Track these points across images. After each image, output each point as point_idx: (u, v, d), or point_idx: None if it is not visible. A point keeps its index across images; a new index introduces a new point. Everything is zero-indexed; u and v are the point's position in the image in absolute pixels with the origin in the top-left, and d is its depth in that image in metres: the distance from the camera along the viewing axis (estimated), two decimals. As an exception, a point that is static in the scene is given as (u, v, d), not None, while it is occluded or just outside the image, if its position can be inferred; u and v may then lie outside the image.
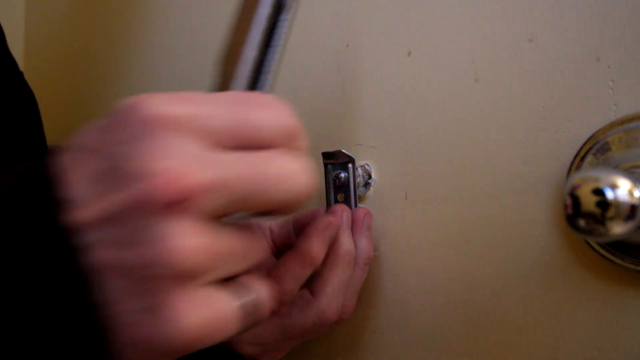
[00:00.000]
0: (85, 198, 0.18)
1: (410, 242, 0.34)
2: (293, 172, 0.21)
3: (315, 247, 0.29)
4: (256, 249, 0.22)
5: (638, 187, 0.22)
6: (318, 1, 0.39)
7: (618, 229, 0.22)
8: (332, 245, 0.31)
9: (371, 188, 0.36)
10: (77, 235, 0.18)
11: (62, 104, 0.61)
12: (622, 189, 0.22)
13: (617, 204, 0.22)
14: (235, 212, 0.20)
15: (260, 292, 0.21)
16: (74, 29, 0.62)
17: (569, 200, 0.23)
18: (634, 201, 0.22)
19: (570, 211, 0.23)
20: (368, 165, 0.36)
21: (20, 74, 0.42)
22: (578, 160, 0.28)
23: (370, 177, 0.36)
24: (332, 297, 0.31)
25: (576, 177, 0.23)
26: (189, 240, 0.18)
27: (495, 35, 0.31)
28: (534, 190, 0.29)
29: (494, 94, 0.31)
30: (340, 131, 0.38)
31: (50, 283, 0.18)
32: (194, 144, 0.19)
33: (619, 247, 0.26)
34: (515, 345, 0.30)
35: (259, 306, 0.21)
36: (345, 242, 0.32)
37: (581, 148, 0.28)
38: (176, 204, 0.18)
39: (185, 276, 0.18)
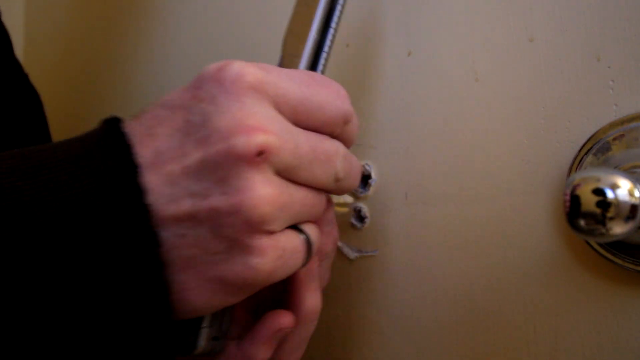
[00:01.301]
0: (172, 150, 0.20)
1: (410, 242, 0.34)
2: (336, 155, 0.24)
3: (262, 355, 0.25)
4: (319, 205, 0.24)
5: (638, 187, 0.22)
6: (318, 1, 0.39)
7: (618, 229, 0.22)
8: (292, 300, 0.26)
9: (371, 188, 0.36)
10: (162, 189, 0.20)
11: (63, 103, 0.61)
12: (622, 189, 0.22)
13: (617, 204, 0.22)
14: (288, 177, 0.22)
15: (312, 230, 0.24)
16: (74, 28, 0.61)
17: (569, 200, 0.23)
18: (635, 201, 0.22)
19: (570, 211, 0.23)
20: (368, 165, 0.36)
21: (25, 76, 0.42)
22: (578, 160, 0.28)
23: (370, 177, 0.36)
24: (289, 352, 0.27)
25: (576, 177, 0.23)
26: (268, 188, 0.20)
27: (495, 35, 0.31)
28: (534, 190, 0.30)
29: (494, 94, 0.31)
30: (340, 131, 0.38)
31: (129, 235, 0.19)
32: (272, 108, 0.21)
33: (619, 247, 0.26)
34: (515, 345, 0.30)
35: (313, 242, 0.24)
36: (309, 297, 0.26)
37: (581, 148, 0.28)
38: (259, 157, 0.20)
39: (263, 220, 0.20)
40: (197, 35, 0.48)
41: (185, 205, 0.20)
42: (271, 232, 0.21)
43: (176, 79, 0.50)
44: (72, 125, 0.60)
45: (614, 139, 0.27)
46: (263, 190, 0.20)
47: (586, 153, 0.27)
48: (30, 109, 0.42)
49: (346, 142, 0.26)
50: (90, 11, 0.59)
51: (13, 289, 0.18)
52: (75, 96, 0.60)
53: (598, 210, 0.22)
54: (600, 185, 0.22)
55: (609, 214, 0.22)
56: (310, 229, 0.24)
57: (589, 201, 0.22)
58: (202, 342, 0.25)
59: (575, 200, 0.22)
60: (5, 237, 0.18)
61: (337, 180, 0.24)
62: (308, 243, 0.24)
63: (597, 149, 0.27)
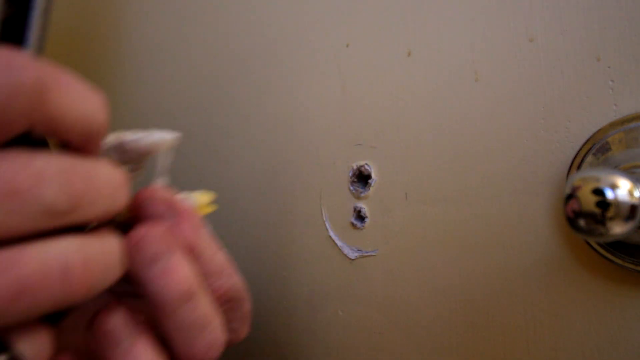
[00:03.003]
0: None
1: (410, 242, 0.34)
2: (36, 177, 0.15)
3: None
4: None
5: (638, 187, 0.22)
6: (318, 1, 0.39)
7: (618, 229, 0.22)
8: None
9: (371, 188, 0.36)
10: None
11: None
12: (622, 189, 0.22)
13: (617, 204, 0.22)
14: None
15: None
16: (74, 26, 0.61)
17: (569, 200, 0.23)
18: (634, 201, 0.22)
19: (570, 211, 0.23)
20: (368, 165, 0.36)
21: None
22: (578, 160, 0.28)
23: (370, 177, 0.36)
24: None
25: (576, 177, 0.23)
26: None
27: (495, 35, 0.31)
28: (534, 190, 0.30)
29: (494, 94, 0.31)
30: (340, 131, 0.38)
31: None
32: None
33: (619, 247, 0.26)
34: (515, 345, 0.30)
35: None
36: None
37: (581, 148, 0.28)
38: None
39: None
40: (197, 29, 0.48)
41: None
42: None
43: (174, 79, 0.50)
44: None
45: (614, 139, 0.27)
46: None
47: (586, 153, 0.27)
48: None
49: (56, 128, 0.16)
50: (90, 11, 0.59)
51: None
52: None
53: (598, 210, 0.22)
54: (600, 185, 0.22)
55: (609, 214, 0.22)
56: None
57: (588, 201, 0.22)
58: None
59: (575, 200, 0.22)
60: None
61: (56, 215, 0.16)
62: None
63: (597, 149, 0.27)
